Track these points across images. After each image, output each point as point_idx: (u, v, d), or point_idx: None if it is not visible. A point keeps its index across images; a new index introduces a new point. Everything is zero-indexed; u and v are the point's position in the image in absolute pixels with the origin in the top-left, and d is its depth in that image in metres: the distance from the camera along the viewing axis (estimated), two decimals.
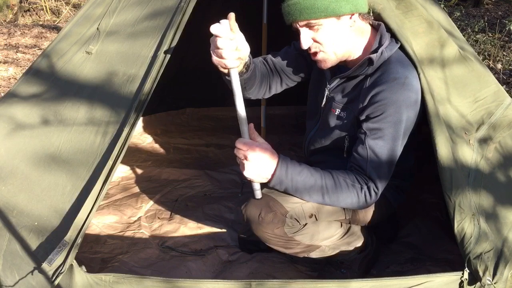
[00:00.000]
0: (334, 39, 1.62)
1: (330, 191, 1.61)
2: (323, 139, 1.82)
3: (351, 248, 1.84)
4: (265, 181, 1.61)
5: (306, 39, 1.62)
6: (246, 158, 1.54)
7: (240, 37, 1.48)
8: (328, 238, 1.78)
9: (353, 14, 1.61)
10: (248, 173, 1.56)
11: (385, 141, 1.61)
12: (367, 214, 1.80)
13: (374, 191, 1.63)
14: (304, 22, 1.59)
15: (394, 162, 1.64)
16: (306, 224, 1.71)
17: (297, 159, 1.66)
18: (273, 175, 1.58)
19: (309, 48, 1.65)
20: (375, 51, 1.64)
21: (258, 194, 1.67)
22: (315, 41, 1.63)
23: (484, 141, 1.74)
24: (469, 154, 1.67)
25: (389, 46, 1.65)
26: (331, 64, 1.70)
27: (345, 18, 1.60)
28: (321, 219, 1.73)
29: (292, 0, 1.57)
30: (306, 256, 1.80)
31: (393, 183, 1.82)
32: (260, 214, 1.65)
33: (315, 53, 1.67)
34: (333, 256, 1.83)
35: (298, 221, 1.68)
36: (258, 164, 1.55)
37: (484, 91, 1.83)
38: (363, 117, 1.63)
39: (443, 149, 1.59)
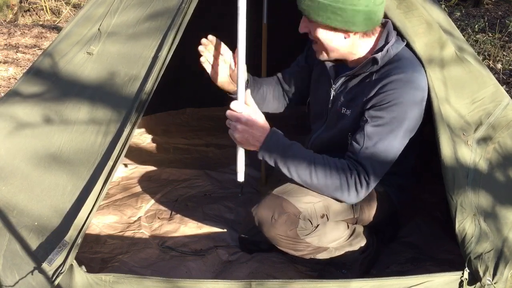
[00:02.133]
0: (327, 44, 1.64)
1: (319, 169, 1.59)
2: (329, 139, 1.81)
3: (355, 248, 1.83)
4: (253, 148, 1.60)
5: (303, 26, 1.66)
6: (238, 120, 1.55)
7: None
8: (336, 239, 1.77)
9: (348, 32, 1.60)
10: (238, 136, 1.56)
11: (384, 130, 1.58)
12: (371, 212, 1.80)
13: (365, 179, 1.59)
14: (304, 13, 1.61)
15: (391, 155, 1.61)
16: (318, 225, 1.70)
17: None
18: (263, 143, 1.58)
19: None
20: (381, 49, 1.63)
21: (241, 176, 1.64)
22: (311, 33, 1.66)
23: (483, 141, 1.74)
24: (468, 155, 1.67)
25: (395, 44, 1.64)
26: (324, 59, 1.72)
27: (340, 33, 1.61)
28: (331, 219, 1.72)
29: None
30: (312, 257, 1.80)
31: (395, 182, 1.81)
32: (273, 215, 1.64)
33: (314, 42, 1.69)
34: (337, 257, 1.82)
35: (310, 222, 1.68)
36: (249, 127, 1.56)
37: (481, 92, 1.83)
38: (367, 107, 1.61)
39: (446, 148, 1.59)
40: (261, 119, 1.59)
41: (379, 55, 1.60)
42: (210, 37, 1.72)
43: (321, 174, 1.59)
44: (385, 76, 1.60)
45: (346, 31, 1.60)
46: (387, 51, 1.62)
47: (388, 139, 1.59)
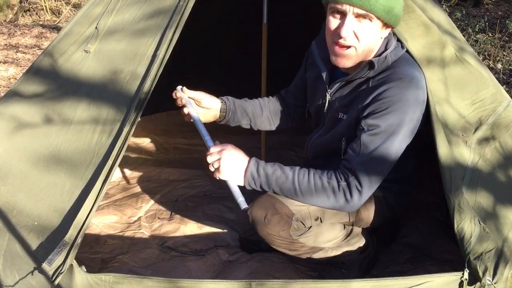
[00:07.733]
0: (370, 40, 1.59)
1: (303, 188, 1.59)
2: (325, 143, 1.81)
3: (353, 248, 1.83)
4: (241, 179, 1.62)
5: (349, 28, 1.55)
6: (220, 159, 1.59)
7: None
8: (331, 240, 1.77)
9: (391, 27, 1.61)
10: (224, 173, 1.60)
11: (380, 139, 1.56)
12: (368, 215, 1.80)
13: (357, 187, 1.56)
14: (362, 12, 1.52)
15: (387, 163, 1.58)
16: (311, 226, 1.70)
17: (298, 159, 1.66)
18: (245, 172, 1.61)
19: (343, 39, 1.57)
20: (380, 54, 1.62)
21: (243, 203, 1.62)
22: (355, 34, 1.57)
23: (483, 141, 1.74)
24: (466, 155, 1.67)
25: (395, 51, 1.63)
26: (350, 65, 1.65)
27: (385, 29, 1.61)
28: (325, 221, 1.72)
29: None
30: (309, 257, 1.80)
31: (395, 188, 1.80)
32: (266, 216, 1.64)
33: (346, 47, 1.60)
34: (335, 257, 1.82)
35: (303, 224, 1.68)
36: (233, 161, 1.60)
37: (481, 93, 1.83)
38: (364, 114, 1.59)
39: (443, 149, 1.59)
40: (240, 153, 1.64)
41: (376, 60, 1.59)
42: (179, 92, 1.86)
43: (306, 191, 1.59)
44: (382, 83, 1.58)
45: (391, 27, 1.61)
46: (385, 57, 1.60)
47: (385, 146, 1.56)
